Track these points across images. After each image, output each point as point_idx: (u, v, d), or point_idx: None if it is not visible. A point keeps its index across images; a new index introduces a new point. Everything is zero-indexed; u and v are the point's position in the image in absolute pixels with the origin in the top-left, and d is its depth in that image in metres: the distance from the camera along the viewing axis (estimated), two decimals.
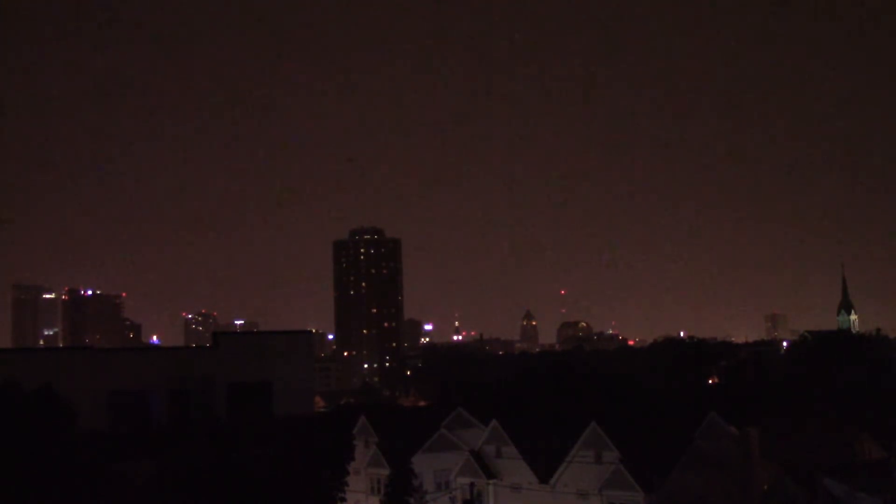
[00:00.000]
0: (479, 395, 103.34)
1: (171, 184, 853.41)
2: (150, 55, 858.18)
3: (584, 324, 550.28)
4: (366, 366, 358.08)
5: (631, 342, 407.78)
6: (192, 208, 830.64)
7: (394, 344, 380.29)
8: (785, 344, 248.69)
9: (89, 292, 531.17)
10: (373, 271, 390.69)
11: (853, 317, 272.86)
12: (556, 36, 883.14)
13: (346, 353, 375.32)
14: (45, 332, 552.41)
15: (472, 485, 67.36)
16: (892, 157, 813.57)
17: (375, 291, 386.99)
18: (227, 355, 57.49)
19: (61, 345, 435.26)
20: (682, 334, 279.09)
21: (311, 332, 78.73)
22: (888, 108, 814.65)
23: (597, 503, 62.04)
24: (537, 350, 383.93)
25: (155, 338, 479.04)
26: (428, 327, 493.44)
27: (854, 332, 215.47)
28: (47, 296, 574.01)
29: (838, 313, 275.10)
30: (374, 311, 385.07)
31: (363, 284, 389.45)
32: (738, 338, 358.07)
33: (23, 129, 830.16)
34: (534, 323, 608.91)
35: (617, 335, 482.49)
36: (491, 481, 69.25)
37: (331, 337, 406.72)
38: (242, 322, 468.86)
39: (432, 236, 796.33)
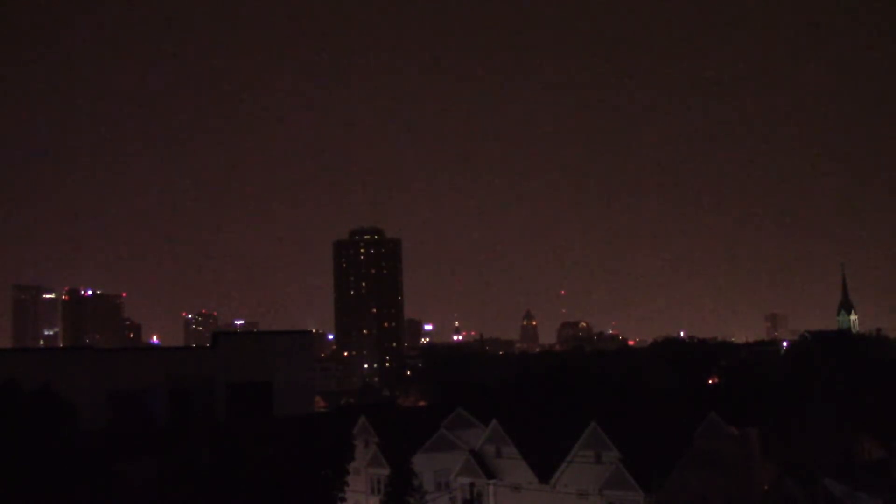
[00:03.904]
0: (479, 395, 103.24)
1: (171, 184, 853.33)
2: (150, 55, 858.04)
3: (584, 324, 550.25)
4: (366, 366, 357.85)
5: (631, 342, 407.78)
6: (192, 208, 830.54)
7: (394, 344, 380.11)
8: (785, 344, 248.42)
9: (89, 292, 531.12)
10: (373, 271, 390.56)
11: (853, 317, 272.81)
12: (558, 36, 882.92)
13: (346, 353, 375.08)
14: (45, 332, 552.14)
15: (472, 485, 67.32)
16: (892, 158, 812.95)
17: (375, 291, 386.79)
18: (227, 355, 57.38)
19: (61, 345, 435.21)
20: (682, 334, 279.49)
21: (311, 332, 78.59)
22: (888, 108, 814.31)
23: (597, 503, 62.04)
24: (537, 350, 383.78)
25: (155, 338, 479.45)
26: (428, 327, 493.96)
27: (854, 332, 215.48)
28: (47, 296, 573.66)
29: (838, 313, 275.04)
30: (374, 311, 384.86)
31: (363, 284, 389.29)
32: (738, 338, 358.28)
33: (23, 129, 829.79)
34: (534, 323, 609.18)
35: (617, 335, 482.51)
36: (491, 481, 69.21)
37: (331, 337, 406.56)
38: (242, 322, 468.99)
39: (432, 236, 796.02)
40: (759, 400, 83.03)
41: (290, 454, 45.50)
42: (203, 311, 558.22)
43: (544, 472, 65.94)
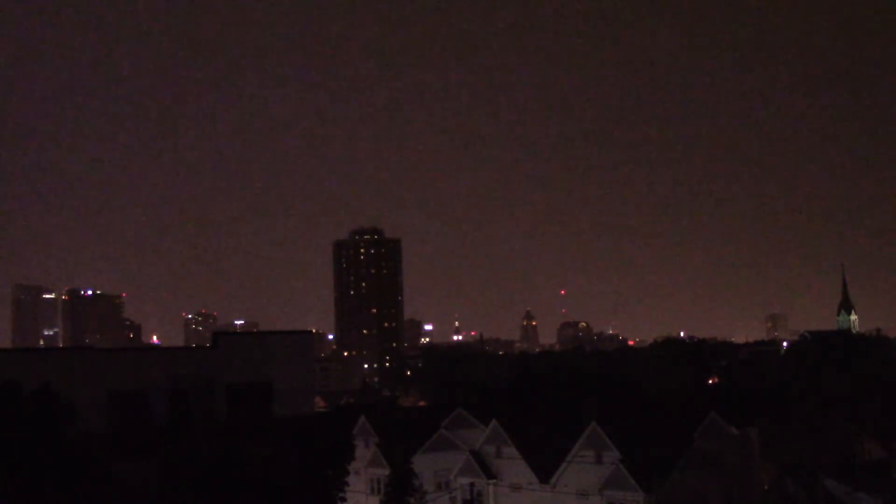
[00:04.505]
0: (479, 395, 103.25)
1: (171, 184, 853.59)
2: (149, 55, 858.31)
3: (584, 324, 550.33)
4: (366, 366, 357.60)
5: (631, 342, 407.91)
6: (192, 208, 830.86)
7: (394, 344, 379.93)
8: (785, 344, 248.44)
9: (89, 292, 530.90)
10: (373, 271, 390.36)
11: (853, 317, 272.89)
12: (557, 34, 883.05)
13: (346, 353, 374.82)
14: (45, 332, 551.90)
15: (472, 485, 67.30)
16: (892, 158, 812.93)
17: (375, 291, 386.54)
18: (227, 355, 57.21)
19: (61, 345, 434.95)
20: (682, 334, 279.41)
21: (311, 332, 78.45)
22: (888, 109, 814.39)
23: (597, 503, 62.03)
24: (537, 350, 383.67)
25: (155, 338, 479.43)
26: (428, 327, 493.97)
27: (854, 332, 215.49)
28: (47, 296, 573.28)
29: (838, 313, 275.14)
30: (374, 311, 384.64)
31: (363, 284, 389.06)
32: (738, 338, 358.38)
33: (23, 129, 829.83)
34: (534, 323, 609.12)
35: (617, 335, 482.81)
36: (491, 481, 69.21)
37: (331, 337, 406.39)
38: (242, 322, 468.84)
39: (432, 236, 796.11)
40: (759, 400, 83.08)
41: (290, 454, 45.44)
42: (203, 311, 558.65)
43: (544, 472, 65.92)
